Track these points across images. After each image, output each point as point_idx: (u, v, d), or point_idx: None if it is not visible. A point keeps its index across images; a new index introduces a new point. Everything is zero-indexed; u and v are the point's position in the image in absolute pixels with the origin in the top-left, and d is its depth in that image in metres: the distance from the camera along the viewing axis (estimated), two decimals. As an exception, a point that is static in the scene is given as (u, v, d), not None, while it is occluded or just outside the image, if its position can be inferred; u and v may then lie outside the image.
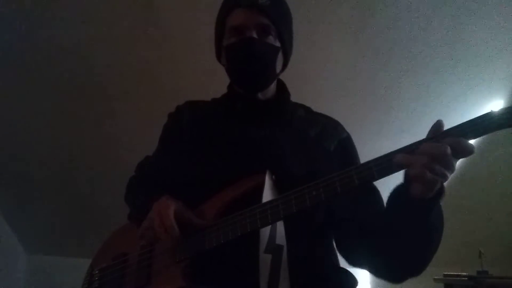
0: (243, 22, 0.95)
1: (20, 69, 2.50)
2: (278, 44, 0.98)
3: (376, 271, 0.90)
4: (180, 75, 2.48)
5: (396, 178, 0.77)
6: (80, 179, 3.07)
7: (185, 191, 0.90)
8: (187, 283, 0.82)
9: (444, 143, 0.67)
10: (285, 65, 1.05)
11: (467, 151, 0.67)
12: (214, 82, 1.02)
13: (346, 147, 1.01)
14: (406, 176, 0.73)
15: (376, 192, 0.95)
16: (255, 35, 0.94)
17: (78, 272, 1.08)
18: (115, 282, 0.93)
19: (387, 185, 0.82)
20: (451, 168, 0.68)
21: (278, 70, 1.01)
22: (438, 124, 0.72)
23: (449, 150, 0.66)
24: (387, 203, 0.82)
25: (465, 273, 2.41)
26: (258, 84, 1.00)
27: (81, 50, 2.39)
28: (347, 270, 0.94)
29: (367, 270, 0.91)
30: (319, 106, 1.09)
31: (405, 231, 0.76)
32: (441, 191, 0.72)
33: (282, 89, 1.07)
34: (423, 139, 0.72)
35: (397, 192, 0.78)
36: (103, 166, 2.95)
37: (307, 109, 1.09)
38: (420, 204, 0.71)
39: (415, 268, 0.82)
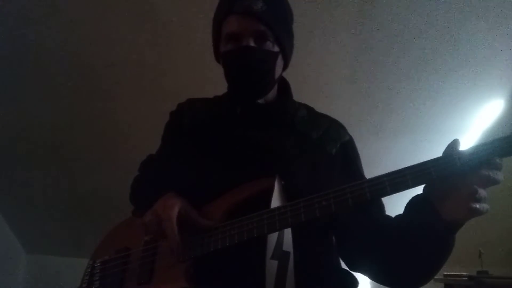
0: (238, 29, 0.91)
1: (20, 70, 2.50)
2: (276, 49, 0.94)
3: (378, 278, 0.88)
4: (180, 75, 2.48)
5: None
6: (80, 179, 3.07)
7: (188, 192, 0.89)
8: (190, 284, 0.81)
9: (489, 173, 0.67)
10: (285, 66, 1.02)
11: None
12: (214, 82, 1.01)
13: (348, 150, 0.99)
14: (438, 195, 0.73)
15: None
16: (252, 43, 0.91)
17: (78, 272, 1.08)
18: (116, 276, 0.93)
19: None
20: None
21: (277, 75, 0.98)
22: (455, 143, 0.71)
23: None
24: (406, 216, 0.81)
25: (465, 273, 2.42)
26: (257, 93, 0.97)
27: (82, 51, 2.38)
28: (348, 271, 0.93)
29: (368, 277, 0.90)
30: (317, 108, 1.08)
31: (426, 247, 0.76)
32: None
33: (284, 89, 1.05)
34: (438, 157, 0.70)
35: (420, 207, 0.77)
36: (102, 167, 2.96)
37: (310, 110, 1.06)
38: (454, 226, 0.73)
39: (424, 279, 0.82)
